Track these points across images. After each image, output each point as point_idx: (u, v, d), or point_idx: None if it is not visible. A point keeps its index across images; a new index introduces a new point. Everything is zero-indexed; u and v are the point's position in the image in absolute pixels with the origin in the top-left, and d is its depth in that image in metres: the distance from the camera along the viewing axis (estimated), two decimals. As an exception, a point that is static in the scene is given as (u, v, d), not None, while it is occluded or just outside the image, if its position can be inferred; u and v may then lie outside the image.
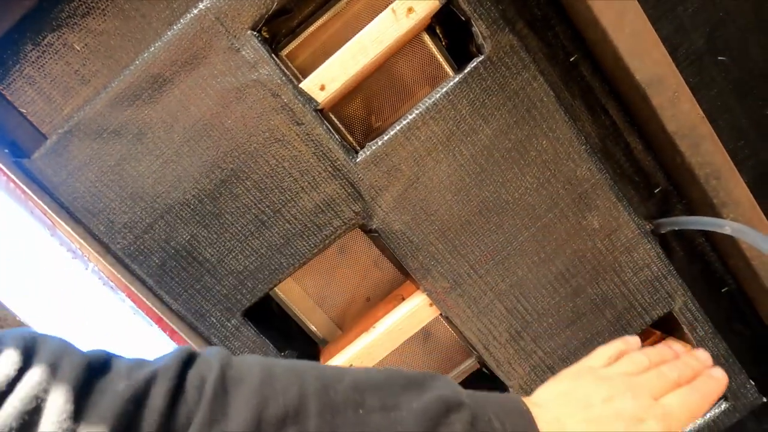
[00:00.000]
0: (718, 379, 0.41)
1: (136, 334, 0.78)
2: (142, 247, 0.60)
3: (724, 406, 0.68)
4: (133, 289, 0.61)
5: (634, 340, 0.48)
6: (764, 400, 0.68)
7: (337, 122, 0.67)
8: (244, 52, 0.55)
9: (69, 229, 0.59)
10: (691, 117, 0.57)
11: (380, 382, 0.35)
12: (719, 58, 0.63)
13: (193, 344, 0.63)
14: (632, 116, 0.64)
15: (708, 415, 0.69)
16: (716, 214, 0.59)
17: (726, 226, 0.56)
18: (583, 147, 0.59)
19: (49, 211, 0.58)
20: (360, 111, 0.70)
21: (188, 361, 0.33)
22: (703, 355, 0.44)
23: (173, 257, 0.61)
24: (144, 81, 0.55)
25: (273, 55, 0.56)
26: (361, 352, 0.65)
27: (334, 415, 0.32)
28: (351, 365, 0.65)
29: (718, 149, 0.57)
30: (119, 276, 0.61)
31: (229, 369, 0.32)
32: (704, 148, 0.57)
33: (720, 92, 0.65)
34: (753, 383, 0.67)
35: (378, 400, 0.34)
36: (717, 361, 0.66)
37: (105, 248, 0.61)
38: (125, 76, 0.55)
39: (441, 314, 0.65)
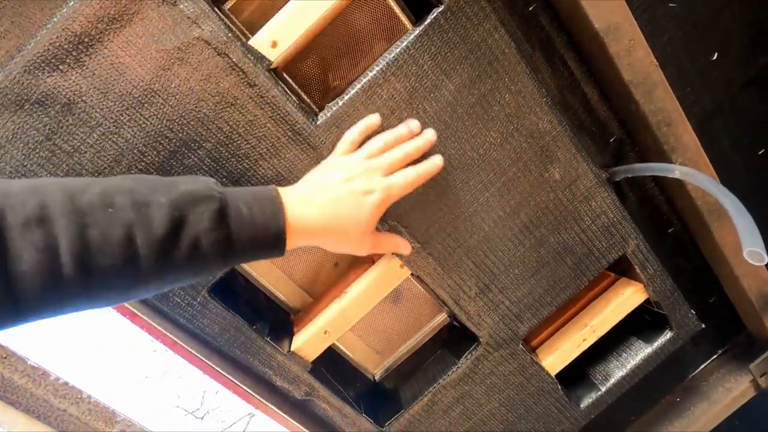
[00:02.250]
0: (435, 162, 0.52)
1: (95, 322, 0.73)
2: (88, 229, 0.55)
3: (669, 335, 0.75)
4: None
5: (375, 118, 0.54)
6: (703, 326, 0.76)
7: (293, 83, 0.63)
8: (182, 6, 0.49)
9: (-1, 215, 0.53)
10: (645, 65, 0.58)
11: (130, 187, 0.37)
12: (670, 4, 0.64)
13: (161, 329, 0.60)
14: (589, 66, 0.64)
15: (655, 344, 0.76)
16: (666, 159, 0.62)
17: (675, 171, 0.59)
18: (545, 99, 0.59)
19: (-28, 197, 0.52)
20: (316, 70, 0.66)
21: None
22: (429, 134, 0.53)
23: (125, 238, 0.56)
24: (66, 42, 0.48)
25: (215, 8, 0.51)
26: (334, 317, 0.65)
27: (82, 216, 0.33)
28: (326, 332, 0.65)
29: (670, 97, 0.59)
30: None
31: None
32: (656, 95, 0.59)
33: (670, 39, 0.66)
34: (694, 312, 0.74)
35: (128, 199, 0.36)
36: (664, 294, 0.72)
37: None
38: (42, 36, 0.48)
39: (412, 274, 0.65)
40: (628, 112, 0.63)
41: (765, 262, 0.40)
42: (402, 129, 0.53)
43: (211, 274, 0.42)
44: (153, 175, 0.41)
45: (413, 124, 0.53)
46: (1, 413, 0.57)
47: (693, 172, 0.57)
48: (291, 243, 0.43)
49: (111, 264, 0.34)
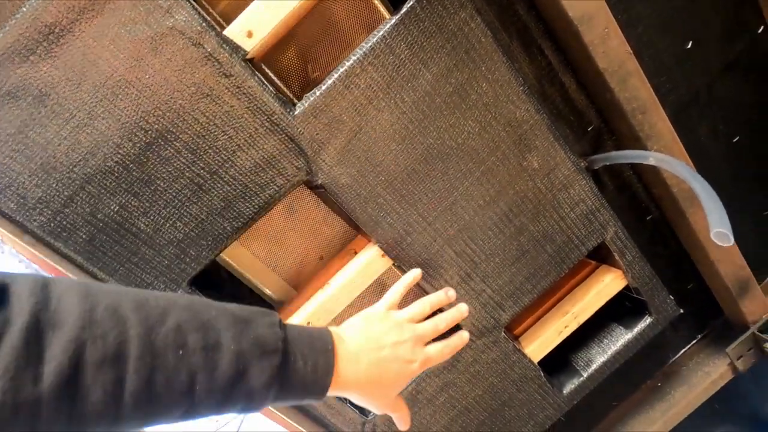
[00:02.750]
0: (462, 338, 0.55)
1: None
2: (63, 222, 0.55)
3: (648, 320, 0.76)
4: (60, 268, 0.56)
5: (417, 272, 0.59)
6: (681, 311, 0.77)
7: (271, 74, 0.62)
8: (154, -5, 0.49)
9: (-28, 210, 0.53)
10: (619, 53, 0.58)
11: (205, 323, 0.38)
12: (645, -7, 0.64)
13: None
14: (566, 55, 0.65)
15: (635, 330, 0.77)
16: (642, 147, 0.63)
17: (650, 158, 0.60)
18: (521, 88, 0.60)
19: (-57, 191, 0.51)
20: (295, 61, 0.66)
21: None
22: (464, 308, 0.57)
23: (102, 231, 0.56)
24: (35, 32, 0.48)
25: (189, -3, 0.50)
26: (317, 308, 0.65)
27: (154, 357, 0.34)
28: (308, 323, 0.66)
29: (644, 85, 0.60)
30: (42, 257, 0.56)
31: (44, 312, 0.31)
32: (631, 83, 0.60)
33: (645, 28, 0.67)
34: (672, 298, 0.76)
35: (200, 341, 0.37)
36: (642, 280, 0.73)
37: (20, 227, 0.55)
38: (11, 26, 0.47)
39: (394, 264, 0.66)
40: (604, 100, 0.63)
41: (731, 243, 0.41)
42: (442, 296, 0.57)
43: (255, 411, 0.44)
44: (227, 304, 0.42)
45: (451, 293, 0.58)
46: None
47: (666, 158, 0.58)
48: (329, 393, 0.45)
49: (166, 405, 0.36)
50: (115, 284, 0.45)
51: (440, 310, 0.56)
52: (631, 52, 0.59)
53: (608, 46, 0.58)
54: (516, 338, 0.78)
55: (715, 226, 0.41)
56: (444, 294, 0.57)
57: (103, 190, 0.55)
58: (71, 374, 0.31)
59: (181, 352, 0.35)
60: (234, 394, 0.38)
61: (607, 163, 0.67)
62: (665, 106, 0.63)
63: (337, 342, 0.46)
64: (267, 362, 0.39)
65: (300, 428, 0.70)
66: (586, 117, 0.69)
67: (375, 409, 0.51)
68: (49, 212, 0.54)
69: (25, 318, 0.30)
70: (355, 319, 0.52)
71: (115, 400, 0.33)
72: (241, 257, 0.72)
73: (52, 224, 0.54)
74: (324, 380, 0.43)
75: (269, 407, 0.59)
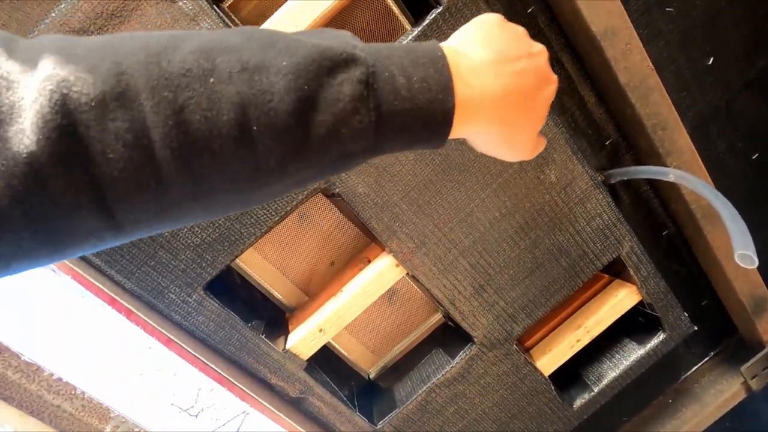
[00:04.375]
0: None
1: (90, 318, 0.73)
2: (83, 225, 0.55)
3: (662, 336, 0.76)
4: (78, 270, 0.57)
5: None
6: (695, 328, 0.76)
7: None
8: (181, 3, 0.49)
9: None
10: (641, 69, 0.58)
11: (237, 44, 0.26)
12: (667, 9, 0.64)
13: (156, 326, 0.60)
14: (586, 69, 0.64)
15: (648, 346, 0.76)
16: (661, 162, 0.63)
17: (670, 174, 0.59)
18: (541, 101, 0.60)
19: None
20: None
21: None
22: None
23: (121, 234, 0.56)
24: (64, 37, 0.48)
25: (214, 6, 0.51)
26: (330, 316, 0.65)
27: (175, 90, 0.23)
28: (321, 330, 0.66)
29: (665, 101, 0.60)
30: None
31: (13, 54, 0.22)
32: (652, 99, 0.60)
33: (667, 44, 0.67)
34: (686, 315, 0.75)
35: (236, 63, 0.25)
36: (657, 296, 0.72)
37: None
38: (39, 31, 0.48)
39: (408, 273, 0.66)
40: (624, 115, 0.63)
41: (755, 266, 0.41)
42: None
43: (348, 169, 0.30)
44: (263, 28, 0.30)
45: None
46: (-6, 409, 0.57)
47: (687, 175, 0.57)
48: (457, 129, 0.31)
49: (222, 162, 0.25)
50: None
51: None
52: (653, 67, 0.59)
53: (630, 61, 0.58)
54: (527, 350, 0.78)
55: (740, 248, 0.41)
56: None
57: (123, 194, 0.55)
58: (62, 126, 0.21)
59: (211, 80, 0.24)
60: (311, 135, 0.26)
61: (625, 178, 0.66)
62: (684, 122, 0.63)
63: (447, 51, 0.31)
64: (344, 75, 0.26)
65: (300, 429, 0.70)
66: (605, 131, 0.69)
67: (521, 151, 0.37)
68: (70, 214, 0.55)
69: None
70: (463, 28, 0.36)
71: (145, 159, 0.23)
72: (254, 262, 0.72)
73: (72, 226, 0.55)
74: (443, 103, 0.29)
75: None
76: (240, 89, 0.24)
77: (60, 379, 0.66)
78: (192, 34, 0.26)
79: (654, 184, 0.73)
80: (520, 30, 0.36)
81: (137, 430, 0.72)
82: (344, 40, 0.28)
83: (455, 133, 0.31)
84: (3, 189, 0.21)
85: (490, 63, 0.32)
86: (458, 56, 0.31)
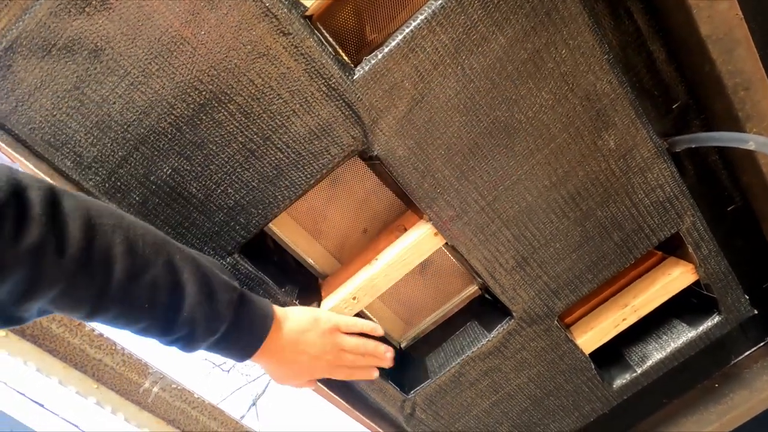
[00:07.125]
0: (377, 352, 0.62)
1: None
2: (118, 183, 0.54)
3: (717, 319, 0.70)
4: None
5: (379, 330, 0.64)
6: (755, 312, 0.71)
7: (328, 35, 0.58)
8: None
9: (31, 166, 0.53)
10: (727, 18, 0.51)
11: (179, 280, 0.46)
12: (763, -53, 0.55)
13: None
14: (659, 20, 0.57)
15: (700, 328, 0.71)
16: (739, 128, 0.56)
17: (750, 141, 0.52)
18: (606, 57, 0.53)
19: (3, 146, 0.51)
20: (352, 22, 0.61)
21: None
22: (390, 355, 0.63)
23: (155, 193, 0.55)
24: (92, -19, 0.45)
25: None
26: (364, 284, 0.63)
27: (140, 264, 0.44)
28: (355, 298, 0.64)
29: (752, 56, 0.52)
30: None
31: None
32: (737, 54, 0.52)
33: (757, -10, 0.58)
34: (747, 297, 0.69)
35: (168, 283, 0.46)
36: (716, 276, 0.67)
37: (77, 186, 0.55)
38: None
39: (446, 243, 0.62)
40: (700, 73, 0.56)
41: None
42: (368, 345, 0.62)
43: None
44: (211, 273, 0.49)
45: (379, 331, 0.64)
46: (40, 361, 0.59)
47: (772, 143, 0.50)
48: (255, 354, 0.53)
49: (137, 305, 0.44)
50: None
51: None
52: (742, 17, 0.51)
53: (715, 9, 0.50)
54: (567, 327, 0.74)
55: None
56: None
57: (156, 152, 0.53)
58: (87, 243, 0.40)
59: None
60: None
61: (693, 146, 0.60)
62: (769, 83, 0.55)
63: (278, 320, 0.54)
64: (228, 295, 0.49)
65: (331, 394, 0.69)
66: (673, 92, 0.62)
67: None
68: (105, 172, 0.53)
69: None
70: (306, 314, 0.57)
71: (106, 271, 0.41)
72: (287, 226, 0.70)
73: (107, 184, 0.54)
74: (266, 325, 0.53)
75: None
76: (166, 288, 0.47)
77: (101, 335, 0.67)
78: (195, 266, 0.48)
79: (724, 154, 0.66)
80: (331, 342, 0.58)
81: (174, 385, 0.74)
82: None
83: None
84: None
85: (287, 345, 0.56)
86: (279, 326, 0.55)
